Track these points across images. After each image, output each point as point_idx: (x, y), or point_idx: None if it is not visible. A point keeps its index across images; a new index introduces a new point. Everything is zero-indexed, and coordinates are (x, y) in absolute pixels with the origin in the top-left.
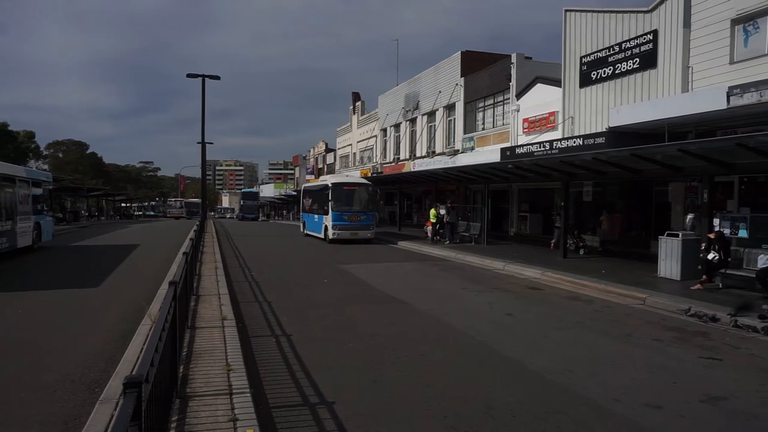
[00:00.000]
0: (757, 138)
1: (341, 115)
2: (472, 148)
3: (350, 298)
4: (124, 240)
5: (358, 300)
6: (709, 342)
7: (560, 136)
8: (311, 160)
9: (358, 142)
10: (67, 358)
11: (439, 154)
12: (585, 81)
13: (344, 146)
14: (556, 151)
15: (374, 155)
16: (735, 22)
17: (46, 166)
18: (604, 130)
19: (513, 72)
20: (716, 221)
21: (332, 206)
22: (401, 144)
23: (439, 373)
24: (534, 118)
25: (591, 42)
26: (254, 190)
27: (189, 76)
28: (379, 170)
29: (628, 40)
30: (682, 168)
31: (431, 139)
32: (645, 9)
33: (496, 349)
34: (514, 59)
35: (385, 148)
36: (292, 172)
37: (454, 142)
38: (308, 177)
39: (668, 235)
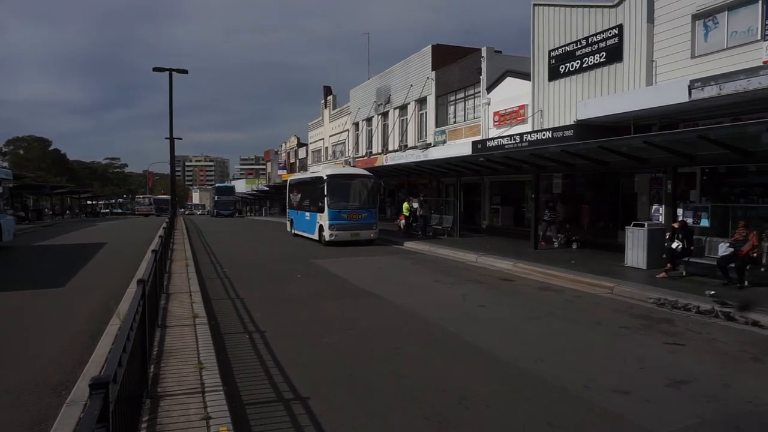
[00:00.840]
0: (717, 130)
1: (313, 109)
2: (444, 142)
3: (324, 293)
4: (90, 239)
5: (332, 295)
6: (673, 328)
7: (530, 129)
8: (283, 154)
9: (330, 136)
10: (32, 361)
11: (412, 148)
12: (553, 74)
13: (316, 141)
14: (526, 144)
15: (346, 149)
16: (696, 17)
17: (6, 164)
18: (572, 122)
19: (483, 66)
20: (680, 211)
21: (328, 202)
22: (373, 138)
23: (414, 366)
24: (504, 112)
25: (559, 36)
26: (229, 184)
27: (156, 69)
28: (352, 164)
29: (595, 35)
30: (647, 160)
31: (403, 133)
32: (610, 4)
33: (470, 340)
34: (484, 53)
35: (357, 142)
36: (263, 167)
37: (426, 135)
38: (280, 172)
39: (635, 225)
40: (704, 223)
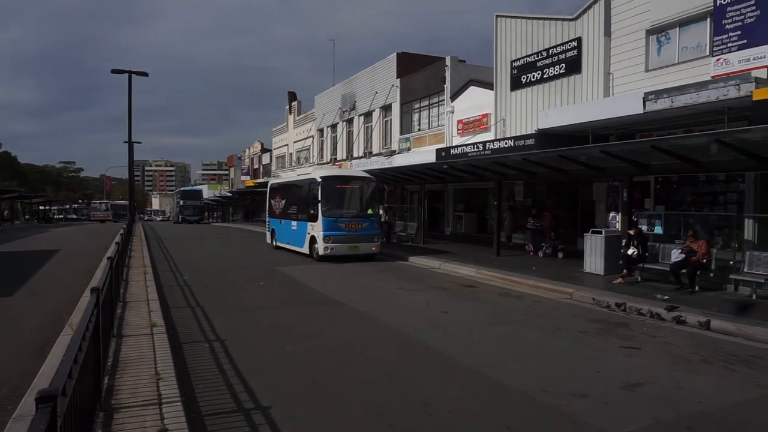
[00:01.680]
0: (670, 141)
1: (277, 114)
2: (409, 149)
3: (287, 301)
4: (41, 245)
5: (295, 302)
6: (629, 332)
7: (493, 138)
8: (246, 160)
9: (294, 142)
10: None
11: (376, 155)
12: (516, 84)
13: (280, 146)
14: (489, 152)
15: (311, 155)
16: (650, 32)
17: None
18: (533, 132)
19: (447, 74)
20: (635, 219)
21: (323, 210)
22: (338, 144)
23: (377, 373)
24: (468, 120)
25: (521, 47)
26: (197, 188)
27: (114, 71)
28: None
29: (555, 47)
30: (605, 168)
31: (368, 140)
32: (570, 17)
33: (433, 346)
34: (448, 62)
35: (322, 149)
36: (226, 172)
37: (390, 142)
38: (243, 178)
39: (593, 232)
40: (658, 230)
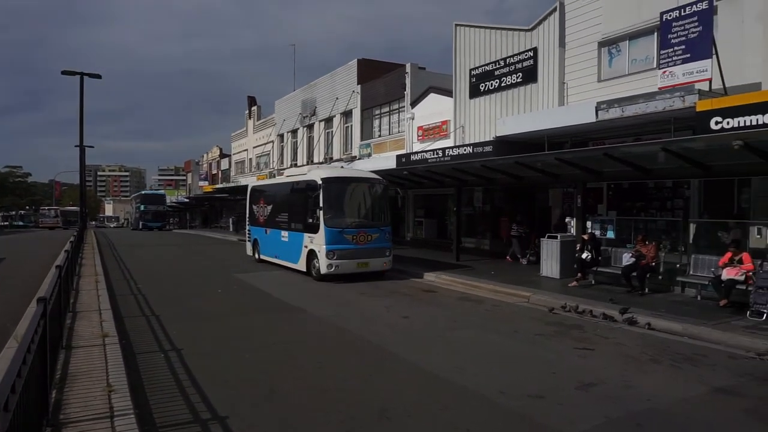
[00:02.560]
0: (621, 149)
1: (236, 119)
2: (369, 155)
3: (246, 308)
4: None
5: (254, 310)
6: (583, 334)
7: (452, 144)
8: (204, 165)
9: (254, 147)
10: None
11: (337, 161)
12: (474, 92)
13: (240, 151)
14: (448, 158)
15: (271, 161)
16: (601, 44)
17: None
18: (492, 139)
19: (407, 81)
20: (588, 224)
21: (325, 218)
22: (299, 150)
23: (337, 379)
24: (428, 126)
25: (479, 56)
26: (160, 192)
27: (64, 73)
28: (276, 176)
29: (512, 56)
30: (560, 175)
31: (329, 146)
32: (526, 28)
33: (393, 351)
34: (408, 69)
35: (282, 154)
36: (183, 178)
37: (351, 148)
38: (201, 183)
39: (549, 237)
40: (610, 234)
